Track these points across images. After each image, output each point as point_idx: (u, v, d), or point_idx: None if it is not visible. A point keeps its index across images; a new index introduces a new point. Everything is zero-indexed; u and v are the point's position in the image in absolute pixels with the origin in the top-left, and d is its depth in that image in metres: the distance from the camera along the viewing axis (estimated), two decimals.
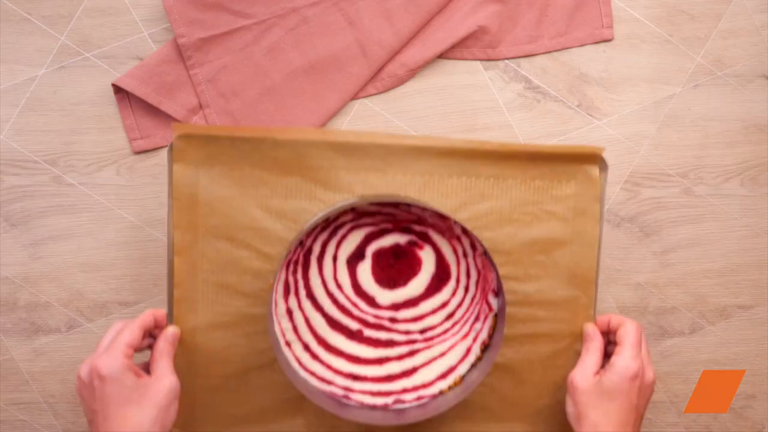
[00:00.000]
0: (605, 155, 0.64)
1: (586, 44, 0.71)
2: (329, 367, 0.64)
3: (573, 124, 0.72)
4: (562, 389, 0.64)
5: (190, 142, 0.61)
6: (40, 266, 0.70)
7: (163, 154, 0.70)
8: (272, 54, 0.69)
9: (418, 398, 0.63)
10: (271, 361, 0.63)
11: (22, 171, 0.69)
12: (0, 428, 0.71)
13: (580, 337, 0.64)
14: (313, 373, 0.63)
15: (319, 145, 0.62)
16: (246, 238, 0.62)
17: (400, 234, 0.64)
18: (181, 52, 0.68)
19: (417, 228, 0.64)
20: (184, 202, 0.62)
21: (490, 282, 0.63)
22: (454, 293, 0.65)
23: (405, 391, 0.64)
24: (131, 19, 0.69)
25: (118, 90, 0.69)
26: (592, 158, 0.63)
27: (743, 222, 0.73)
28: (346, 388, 0.63)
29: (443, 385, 0.64)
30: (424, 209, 0.63)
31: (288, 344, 0.63)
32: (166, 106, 0.68)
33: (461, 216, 0.63)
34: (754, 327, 0.74)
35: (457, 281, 0.65)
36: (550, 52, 0.71)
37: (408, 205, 0.63)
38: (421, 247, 0.64)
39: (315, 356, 0.64)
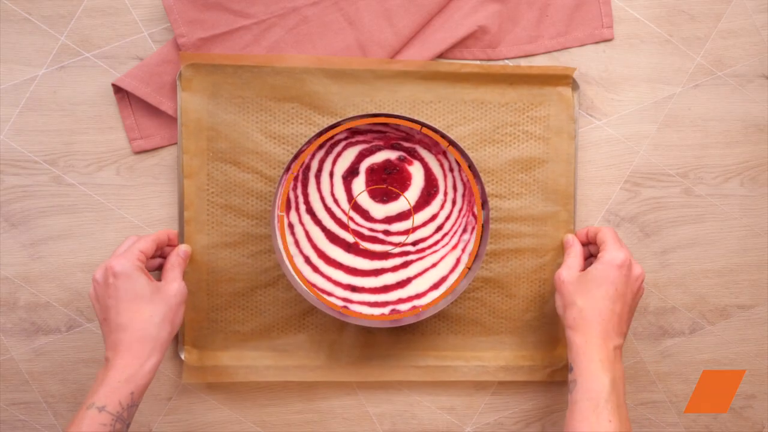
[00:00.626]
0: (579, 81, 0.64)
1: (586, 44, 0.71)
2: (329, 278, 0.68)
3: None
4: (548, 302, 0.71)
5: (197, 72, 0.67)
6: (40, 266, 0.70)
7: (164, 154, 0.70)
8: (272, 54, 0.69)
9: (413, 308, 0.67)
10: (276, 279, 0.69)
11: (22, 171, 0.69)
12: (0, 428, 0.71)
13: (562, 251, 0.70)
14: (314, 285, 0.67)
15: (314, 71, 0.67)
16: (250, 162, 0.68)
17: (390, 150, 0.68)
18: (180, 52, 0.68)
19: (406, 144, 0.68)
20: (192, 127, 0.68)
21: (475, 194, 0.67)
22: (442, 206, 0.68)
23: (400, 301, 0.68)
24: (131, 19, 0.69)
25: (118, 90, 0.69)
26: (565, 79, 0.69)
27: (743, 222, 0.73)
28: (346, 299, 0.67)
29: (435, 294, 0.68)
30: (412, 126, 0.67)
31: (290, 258, 0.67)
32: (166, 106, 0.68)
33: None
34: (754, 327, 0.74)
35: (445, 194, 0.68)
36: (550, 52, 0.71)
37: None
38: (410, 163, 0.68)
39: (316, 269, 0.68)
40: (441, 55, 0.70)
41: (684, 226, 0.73)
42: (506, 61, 0.71)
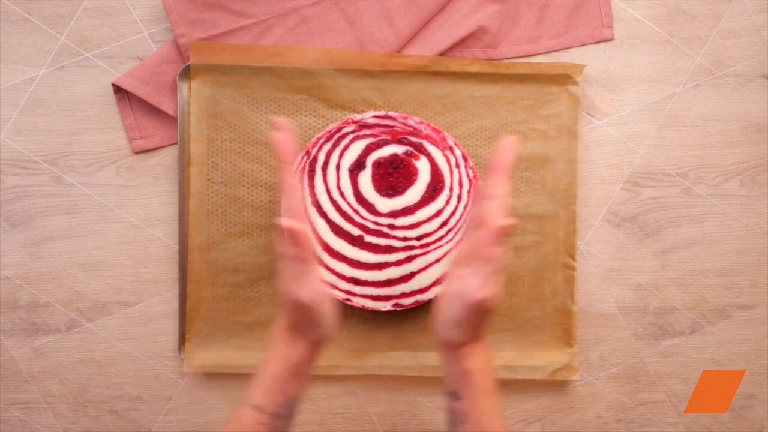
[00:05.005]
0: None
1: (586, 44, 0.71)
2: (332, 271, 0.68)
3: None
4: (549, 301, 0.71)
5: (206, 61, 0.67)
6: (40, 266, 0.70)
7: (163, 154, 0.70)
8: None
9: (415, 303, 0.68)
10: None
11: (22, 171, 0.69)
12: (0, 428, 0.71)
13: (564, 250, 0.70)
14: None
15: (323, 64, 0.68)
16: (256, 153, 0.69)
17: (397, 145, 0.68)
18: (181, 52, 0.68)
19: (413, 139, 0.68)
20: (200, 116, 0.68)
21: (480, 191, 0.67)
22: (447, 201, 0.69)
23: (403, 295, 0.69)
24: (131, 19, 0.69)
25: (118, 90, 0.69)
26: (575, 76, 0.69)
27: (743, 222, 0.73)
28: (348, 292, 0.68)
29: (438, 291, 0.68)
30: (420, 122, 0.67)
31: None
32: (166, 106, 0.68)
33: (453, 134, 0.69)
34: (754, 327, 0.74)
35: (451, 190, 0.69)
36: (550, 52, 0.71)
37: (405, 117, 0.67)
38: (417, 158, 0.68)
39: (319, 260, 0.68)
40: (441, 55, 0.70)
41: (684, 226, 0.73)
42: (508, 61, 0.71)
